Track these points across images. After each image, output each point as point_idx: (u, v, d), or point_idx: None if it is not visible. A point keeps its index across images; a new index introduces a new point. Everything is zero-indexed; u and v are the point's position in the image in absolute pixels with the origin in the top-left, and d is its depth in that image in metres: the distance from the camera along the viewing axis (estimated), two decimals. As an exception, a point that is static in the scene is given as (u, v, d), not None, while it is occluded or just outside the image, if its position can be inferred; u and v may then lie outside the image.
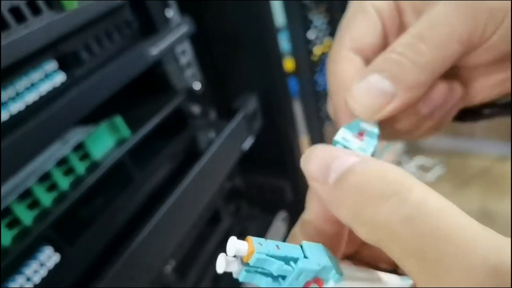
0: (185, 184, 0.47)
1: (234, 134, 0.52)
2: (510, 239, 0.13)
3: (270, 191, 0.73)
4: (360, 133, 0.20)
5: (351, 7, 0.21)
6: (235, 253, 0.16)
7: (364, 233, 0.16)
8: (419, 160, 1.63)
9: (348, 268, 0.18)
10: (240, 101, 0.56)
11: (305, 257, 0.16)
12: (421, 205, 0.14)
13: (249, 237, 0.16)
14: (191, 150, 0.56)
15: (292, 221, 0.71)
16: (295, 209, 0.72)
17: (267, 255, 0.15)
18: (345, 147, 0.19)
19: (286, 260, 0.16)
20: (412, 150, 1.66)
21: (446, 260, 0.13)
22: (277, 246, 0.16)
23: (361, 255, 0.22)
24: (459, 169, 1.59)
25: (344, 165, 0.16)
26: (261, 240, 0.16)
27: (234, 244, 0.16)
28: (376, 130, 0.20)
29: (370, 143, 0.19)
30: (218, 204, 0.64)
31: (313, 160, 0.17)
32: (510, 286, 0.12)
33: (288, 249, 0.16)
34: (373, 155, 0.19)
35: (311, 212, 0.19)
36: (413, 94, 0.18)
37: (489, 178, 1.52)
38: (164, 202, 0.45)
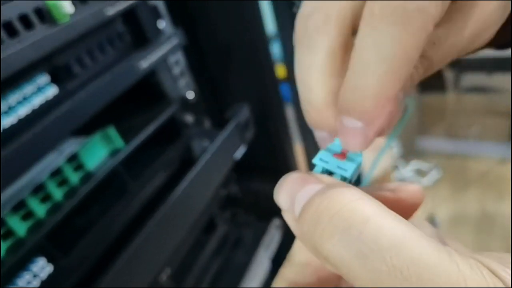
0: (179, 192, 0.47)
1: (227, 143, 0.53)
2: (474, 261, 0.13)
3: (265, 198, 0.74)
4: (343, 152, 0.19)
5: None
6: None
7: (329, 268, 0.15)
8: (416, 164, 1.64)
9: None
10: (232, 111, 0.56)
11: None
12: (374, 240, 0.14)
13: None
14: (185, 158, 0.56)
15: (287, 228, 0.72)
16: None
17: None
18: (324, 169, 0.19)
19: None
20: (409, 154, 1.66)
21: None
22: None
23: None
24: (457, 172, 1.59)
25: (306, 197, 0.16)
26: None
27: None
28: None
29: (353, 160, 0.19)
30: (213, 212, 0.65)
31: (282, 190, 0.17)
32: None
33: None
34: (355, 171, 0.19)
35: (298, 244, 0.20)
36: (378, 124, 0.17)
37: (487, 180, 1.53)
38: (158, 210, 0.46)
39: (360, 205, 0.15)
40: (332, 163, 0.19)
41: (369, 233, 0.14)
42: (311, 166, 0.20)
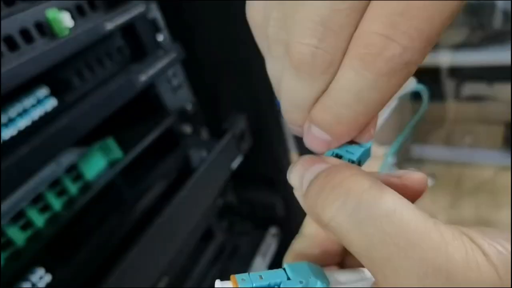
0: (177, 202, 0.48)
1: (223, 154, 0.53)
2: (457, 231, 0.15)
3: (261, 207, 0.74)
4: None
5: None
6: None
7: (330, 235, 0.17)
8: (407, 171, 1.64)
9: (335, 274, 0.20)
10: (229, 122, 0.57)
11: (288, 278, 0.18)
12: (370, 208, 0.15)
13: (233, 276, 0.18)
14: (183, 168, 0.57)
15: (283, 236, 0.72)
16: (287, 224, 0.73)
17: None
18: (333, 152, 0.20)
19: (270, 287, 0.18)
20: (405, 161, 1.67)
21: (393, 261, 0.14)
22: (260, 276, 0.18)
23: None
24: (453, 180, 1.59)
25: (313, 175, 0.18)
26: (245, 275, 0.18)
27: (219, 285, 0.17)
28: None
29: (362, 145, 0.20)
30: (210, 221, 0.65)
31: (294, 171, 0.19)
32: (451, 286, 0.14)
33: (271, 276, 0.18)
34: (363, 155, 0.20)
35: (308, 219, 0.22)
36: (345, 139, 0.19)
37: (483, 188, 1.53)
38: (156, 219, 0.46)
39: (358, 178, 0.16)
40: (342, 148, 0.20)
41: (366, 202, 0.15)
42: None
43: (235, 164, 0.56)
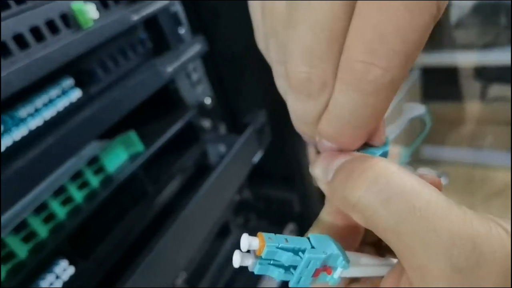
0: (197, 198, 0.48)
1: (245, 148, 0.53)
2: (480, 215, 0.16)
3: (278, 204, 0.74)
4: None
5: None
6: (248, 248, 0.17)
7: (355, 217, 0.18)
8: (423, 171, 1.63)
9: (355, 255, 0.20)
10: (249, 116, 0.56)
11: (312, 247, 0.18)
12: (398, 187, 0.16)
13: (260, 233, 0.18)
14: (202, 163, 0.57)
15: (300, 233, 0.72)
16: (303, 221, 0.73)
17: (277, 247, 0.17)
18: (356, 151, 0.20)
19: (295, 251, 0.18)
20: (416, 161, 1.66)
21: (421, 234, 0.15)
22: (286, 239, 0.18)
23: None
24: (463, 180, 1.58)
25: (338, 164, 0.19)
26: (271, 235, 0.18)
27: (246, 239, 0.17)
28: (388, 139, 0.21)
29: (380, 148, 0.20)
30: (227, 217, 0.65)
31: (319, 163, 0.20)
32: (474, 254, 0.15)
33: (296, 241, 0.18)
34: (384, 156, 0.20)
35: (325, 209, 0.22)
36: (353, 147, 0.19)
37: (493, 188, 1.52)
38: (177, 215, 0.46)
39: (386, 163, 0.17)
40: (360, 150, 0.20)
41: (394, 181, 0.16)
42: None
43: (256, 158, 0.56)
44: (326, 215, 0.22)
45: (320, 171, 0.19)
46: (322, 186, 0.20)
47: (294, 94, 0.18)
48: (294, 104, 0.19)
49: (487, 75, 1.59)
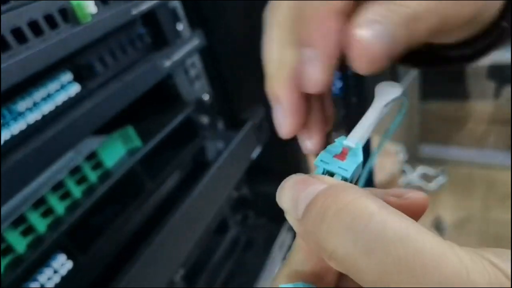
0: (195, 194, 0.48)
1: (243, 144, 0.53)
2: (475, 254, 0.14)
3: (276, 201, 0.74)
4: (343, 152, 0.20)
5: None
6: None
7: (333, 265, 0.15)
8: (422, 169, 1.64)
9: None
10: (248, 112, 0.57)
11: None
12: (379, 234, 0.14)
13: None
14: (200, 159, 0.57)
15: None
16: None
17: None
18: (325, 170, 0.19)
19: None
20: (415, 159, 1.66)
21: None
22: None
23: None
24: (462, 179, 1.59)
25: (309, 197, 0.16)
26: None
27: None
28: (359, 145, 0.20)
29: (353, 161, 0.19)
30: (225, 213, 0.65)
31: (285, 192, 0.17)
32: None
33: None
34: (356, 172, 0.19)
35: (297, 244, 0.19)
36: (328, 51, 0.19)
37: (491, 187, 1.52)
38: (174, 211, 0.46)
39: (364, 201, 0.15)
40: (333, 164, 0.19)
41: (374, 226, 0.14)
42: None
43: (254, 154, 0.56)
44: (299, 250, 0.19)
45: (289, 202, 0.17)
46: (291, 220, 0.17)
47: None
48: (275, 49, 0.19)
49: (498, 75, 1.59)
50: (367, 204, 0.15)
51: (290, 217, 0.17)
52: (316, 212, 0.16)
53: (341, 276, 0.20)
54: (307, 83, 0.19)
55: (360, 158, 0.19)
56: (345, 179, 0.19)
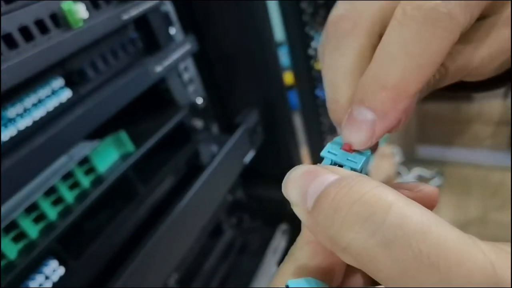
0: (188, 198, 0.48)
1: (236, 148, 0.53)
2: (498, 248, 0.13)
3: (271, 204, 0.74)
4: (351, 145, 0.19)
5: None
6: None
7: (346, 260, 0.15)
8: (417, 171, 1.64)
9: None
10: (241, 116, 0.57)
11: None
12: (399, 227, 0.13)
13: None
14: (193, 163, 0.56)
15: (293, 233, 0.72)
16: (296, 221, 0.72)
17: None
18: (333, 161, 0.18)
19: None
20: (410, 161, 1.67)
21: (433, 286, 0.12)
22: None
23: None
24: (458, 179, 1.59)
25: (320, 188, 0.15)
26: None
27: None
28: None
29: (361, 154, 0.18)
30: (220, 217, 0.65)
31: (292, 184, 0.16)
32: None
33: None
34: (365, 164, 0.19)
35: (303, 237, 0.19)
36: (389, 120, 0.17)
37: (488, 188, 1.53)
38: (167, 216, 0.46)
39: (381, 192, 0.14)
40: (341, 156, 0.18)
41: (393, 219, 0.13)
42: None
43: (248, 158, 0.56)
44: (305, 245, 0.18)
45: (297, 194, 0.16)
46: (300, 213, 0.16)
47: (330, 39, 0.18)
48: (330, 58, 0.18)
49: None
50: (384, 195, 0.14)
51: (298, 209, 0.16)
52: (328, 204, 0.15)
53: (348, 272, 0.20)
54: (350, 139, 0.18)
55: (368, 151, 0.18)
56: (354, 171, 0.17)
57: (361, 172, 0.18)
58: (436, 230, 0.13)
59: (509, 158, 1.53)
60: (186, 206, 0.47)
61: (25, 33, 0.37)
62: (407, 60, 0.16)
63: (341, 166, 0.18)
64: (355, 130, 0.17)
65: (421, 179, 1.61)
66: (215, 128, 0.62)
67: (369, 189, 0.14)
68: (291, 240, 0.72)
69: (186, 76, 0.55)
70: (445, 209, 1.46)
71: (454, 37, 0.16)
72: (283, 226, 0.72)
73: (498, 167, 1.56)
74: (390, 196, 0.14)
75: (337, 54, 0.19)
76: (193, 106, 0.56)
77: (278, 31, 0.66)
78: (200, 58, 0.58)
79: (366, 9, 0.18)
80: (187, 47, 0.50)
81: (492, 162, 1.60)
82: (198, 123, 0.57)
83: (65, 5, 0.39)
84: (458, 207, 1.48)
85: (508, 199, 1.38)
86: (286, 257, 0.19)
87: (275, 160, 0.71)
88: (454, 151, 1.72)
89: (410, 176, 1.62)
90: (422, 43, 0.15)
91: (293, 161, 0.71)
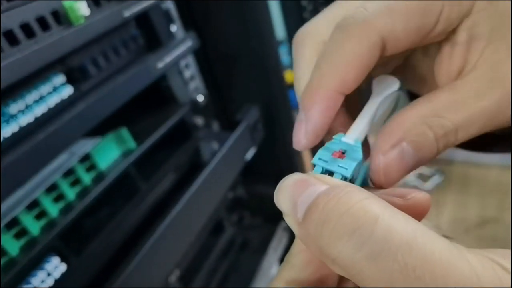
0: (190, 195, 0.48)
1: (237, 145, 0.53)
2: (484, 257, 0.13)
3: (271, 201, 0.73)
4: (341, 150, 0.19)
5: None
6: None
7: (336, 270, 0.15)
8: (418, 169, 1.64)
9: None
10: (242, 113, 0.57)
11: None
12: (385, 239, 0.13)
13: None
14: (194, 161, 0.57)
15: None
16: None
17: None
18: (324, 168, 0.19)
19: None
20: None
21: None
22: None
23: None
24: (458, 177, 1.59)
25: (310, 199, 0.15)
26: None
27: None
28: (358, 143, 0.19)
29: (352, 159, 0.18)
30: (221, 214, 0.65)
31: (283, 193, 0.16)
32: None
33: None
34: (356, 170, 0.19)
35: (296, 246, 0.19)
36: (314, 120, 0.20)
37: (488, 187, 1.52)
38: (169, 212, 0.46)
39: (368, 204, 0.14)
40: (332, 163, 0.18)
41: (380, 232, 0.13)
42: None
43: (249, 155, 0.56)
44: (299, 252, 0.19)
45: (288, 204, 0.16)
46: (291, 223, 0.16)
47: None
48: None
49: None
50: (371, 207, 0.14)
51: (290, 220, 0.16)
52: (317, 215, 0.15)
53: (342, 282, 0.20)
54: (293, 139, 0.21)
55: (359, 156, 0.18)
56: (345, 178, 0.18)
57: (352, 178, 0.18)
58: (422, 242, 0.13)
59: (509, 157, 1.52)
60: (187, 203, 0.47)
61: (27, 29, 0.37)
62: (325, 65, 0.19)
63: (332, 173, 0.18)
64: (295, 131, 0.20)
65: (421, 176, 1.61)
66: (216, 126, 0.62)
67: (357, 201, 0.14)
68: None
69: (187, 74, 0.55)
70: (445, 206, 1.46)
71: (369, 43, 0.18)
72: (284, 224, 0.72)
73: (499, 165, 1.56)
74: (377, 208, 0.14)
75: (297, 57, 0.24)
76: (194, 104, 0.56)
77: (279, 30, 0.66)
78: (201, 55, 0.58)
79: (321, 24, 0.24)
80: (188, 44, 0.50)
81: (492, 161, 1.60)
82: (199, 120, 0.57)
83: (67, 2, 0.39)
84: (458, 205, 1.48)
85: (508, 198, 1.38)
86: (283, 263, 0.20)
87: (276, 157, 0.71)
88: (455, 149, 1.71)
89: (410, 174, 1.62)
90: (334, 47, 0.19)
91: (293, 158, 0.71)
